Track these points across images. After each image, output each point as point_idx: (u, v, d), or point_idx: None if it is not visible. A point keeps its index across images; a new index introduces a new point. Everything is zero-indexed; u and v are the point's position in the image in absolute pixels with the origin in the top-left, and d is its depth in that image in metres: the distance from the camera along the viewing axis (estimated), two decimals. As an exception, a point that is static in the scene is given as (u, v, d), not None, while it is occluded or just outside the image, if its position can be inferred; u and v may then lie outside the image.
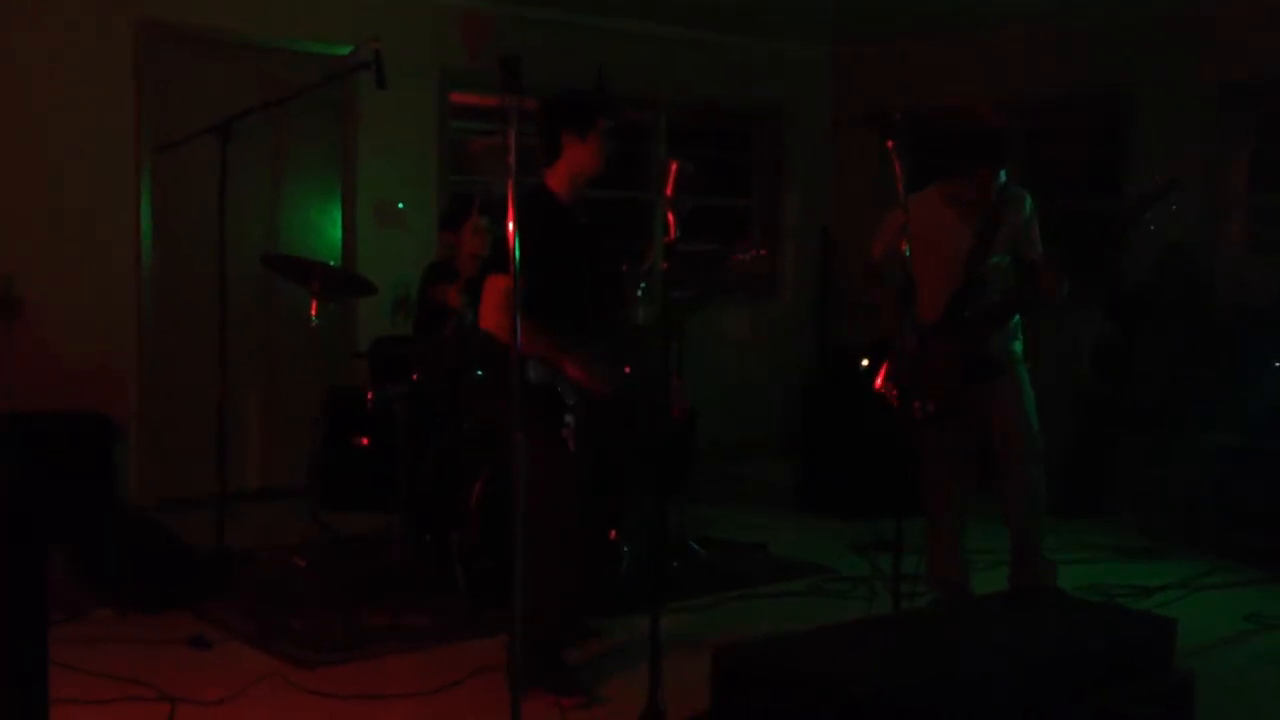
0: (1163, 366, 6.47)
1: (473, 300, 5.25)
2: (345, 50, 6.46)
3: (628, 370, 4.04)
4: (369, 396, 5.00)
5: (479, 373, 4.91)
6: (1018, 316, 4.69)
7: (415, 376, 5.00)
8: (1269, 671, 4.38)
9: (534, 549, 3.61)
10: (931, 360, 4.54)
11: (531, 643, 3.66)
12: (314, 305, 4.70)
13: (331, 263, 6.20)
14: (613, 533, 4.86)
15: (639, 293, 5.25)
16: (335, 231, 6.94)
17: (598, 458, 3.92)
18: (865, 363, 6.62)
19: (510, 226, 3.06)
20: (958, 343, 4.56)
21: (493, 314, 3.74)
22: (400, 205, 6.95)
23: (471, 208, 5.27)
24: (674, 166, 3.49)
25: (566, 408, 3.68)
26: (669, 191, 3.49)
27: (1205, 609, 4.97)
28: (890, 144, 4.05)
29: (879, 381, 4.67)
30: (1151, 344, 6.58)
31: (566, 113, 3.87)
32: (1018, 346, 4.73)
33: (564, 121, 3.85)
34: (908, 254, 4.12)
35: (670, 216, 3.48)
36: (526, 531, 3.60)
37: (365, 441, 4.99)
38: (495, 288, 3.74)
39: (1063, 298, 4.43)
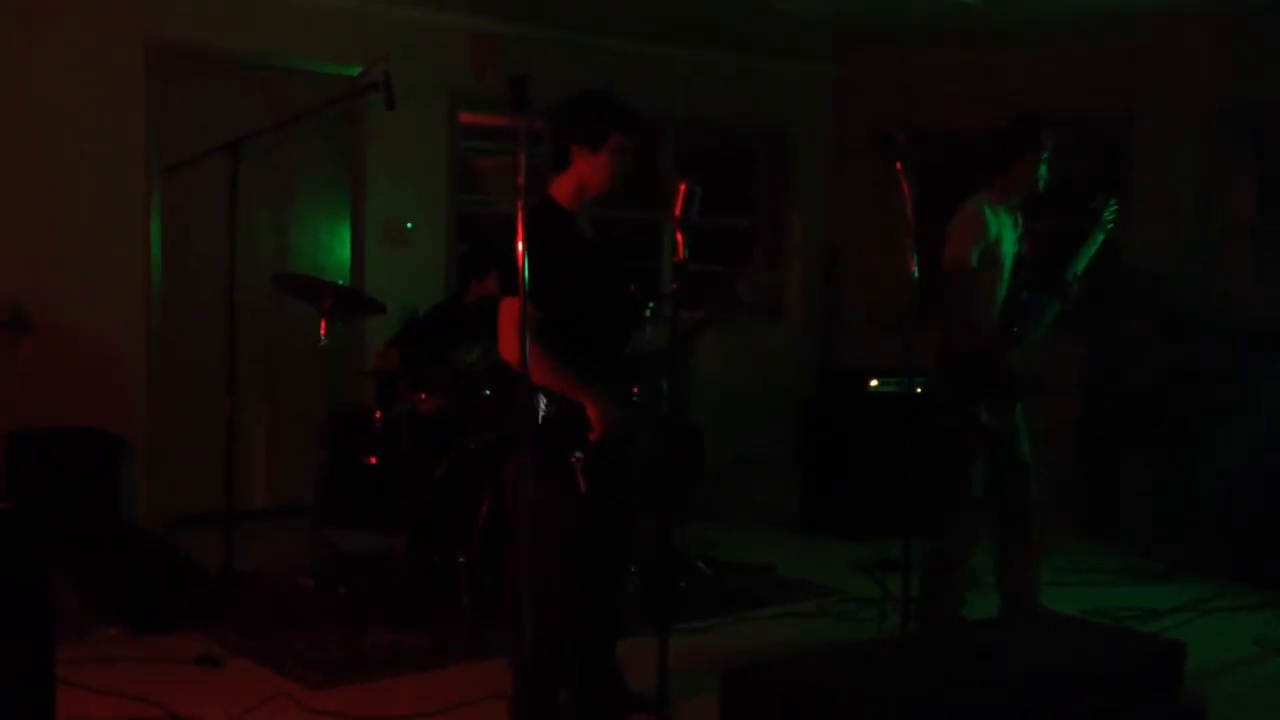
0: (1156, 389, 6.48)
1: (486, 350, 5.27)
2: (354, 71, 6.50)
3: (635, 391, 3.99)
4: (378, 415, 5.00)
5: (486, 391, 4.92)
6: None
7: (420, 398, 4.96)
8: (1276, 695, 4.36)
9: (534, 595, 3.46)
10: (999, 370, 4.59)
11: (524, 681, 3.54)
12: (323, 325, 4.71)
13: (340, 282, 6.22)
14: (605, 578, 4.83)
15: (647, 313, 5.27)
16: (344, 251, 6.96)
17: (608, 501, 3.62)
18: (875, 383, 6.64)
19: (520, 247, 3.01)
20: (1013, 351, 4.61)
21: (511, 342, 3.38)
22: (408, 225, 6.97)
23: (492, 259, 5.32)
24: (682, 187, 3.47)
25: (578, 443, 3.46)
26: (677, 212, 3.47)
27: (1214, 632, 4.96)
28: (899, 166, 4.08)
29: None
30: (1140, 364, 6.60)
31: (578, 123, 3.61)
32: None
33: (574, 132, 3.61)
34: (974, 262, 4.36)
35: (679, 236, 3.47)
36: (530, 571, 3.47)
37: (372, 460, 4.99)
38: (511, 312, 3.41)
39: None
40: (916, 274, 4.18)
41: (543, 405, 3.44)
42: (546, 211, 3.63)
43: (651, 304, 4.98)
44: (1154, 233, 6.85)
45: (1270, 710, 4.23)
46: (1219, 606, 5.30)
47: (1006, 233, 4.65)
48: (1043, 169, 4.62)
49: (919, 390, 5.05)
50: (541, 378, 3.40)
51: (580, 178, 3.61)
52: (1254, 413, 5.91)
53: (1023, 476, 4.70)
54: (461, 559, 4.72)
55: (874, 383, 6.64)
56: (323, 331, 4.69)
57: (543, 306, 3.41)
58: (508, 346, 3.41)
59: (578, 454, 3.44)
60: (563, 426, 3.45)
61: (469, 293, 5.33)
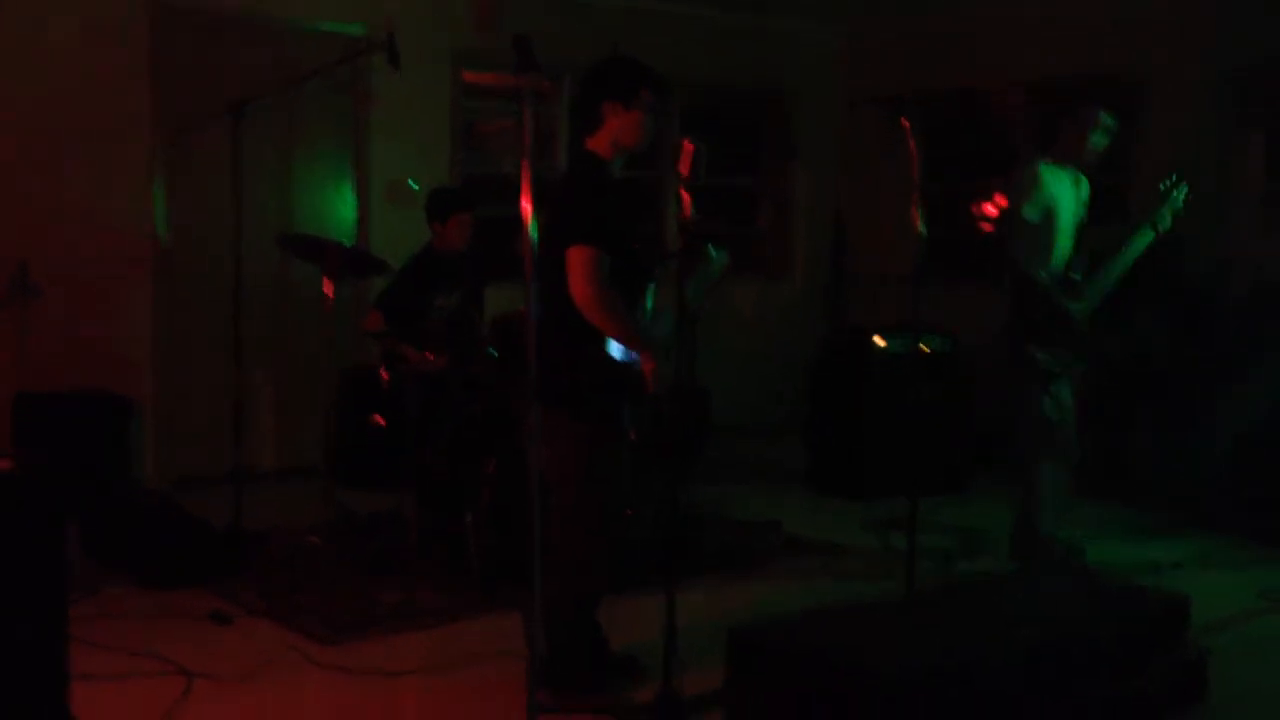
0: (1169, 347, 6.48)
1: (467, 295, 5.29)
2: (358, 30, 6.47)
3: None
4: (383, 376, 5.02)
5: (491, 350, 4.93)
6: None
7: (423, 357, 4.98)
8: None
9: (571, 529, 3.62)
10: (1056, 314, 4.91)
11: (556, 622, 3.65)
12: (328, 285, 4.71)
13: (345, 242, 6.22)
14: (629, 510, 4.88)
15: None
16: (348, 212, 6.95)
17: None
18: (882, 343, 6.64)
19: (526, 207, 2.96)
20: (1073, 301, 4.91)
21: (584, 287, 3.44)
22: (413, 185, 6.95)
23: (460, 200, 5.33)
24: (689, 147, 3.48)
25: (635, 392, 3.58)
26: (684, 171, 3.48)
27: (1220, 586, 4.98)
28: (905, 123, 4.08)
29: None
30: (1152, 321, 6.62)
31: (610, 81, 3.66)
32: None
33: (607, 90, 3.63)
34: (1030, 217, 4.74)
35: (685, 195, 3.48)
36: (564, 512, 3.61)
37: (380, 420, 5.00)
38: (582, 258, 3.44)
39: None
40: (924, 232, 4.21)
41: (615, 350, 3.53)
42: (594, 164, 3.67)
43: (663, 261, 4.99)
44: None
45: (1272, 661, 4.25)
46: (1225, 561, 5.32)
47: (1065, 192, 4.93)
48: (1096, 138, 4.93)
49: (924, 348, 5.10)
50: (607, 324, 3.48)
51: (613, 134, 3.65)
52: (1262, 372, 5.90)
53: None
54: (469, 517, 4.75)
55: (880, 341, 6.64)
56: (328, 291, 4.70)
57: (612, 253, 3.47)
58: (582, 293, 3.44)
59: (630, 411, 3.60)
60: (626, 374, 3.54)
61: (434, 235, 5.35)
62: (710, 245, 3.95)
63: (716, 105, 8.62)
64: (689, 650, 3.54)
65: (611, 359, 3.54)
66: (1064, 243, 4.92)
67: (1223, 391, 6.04)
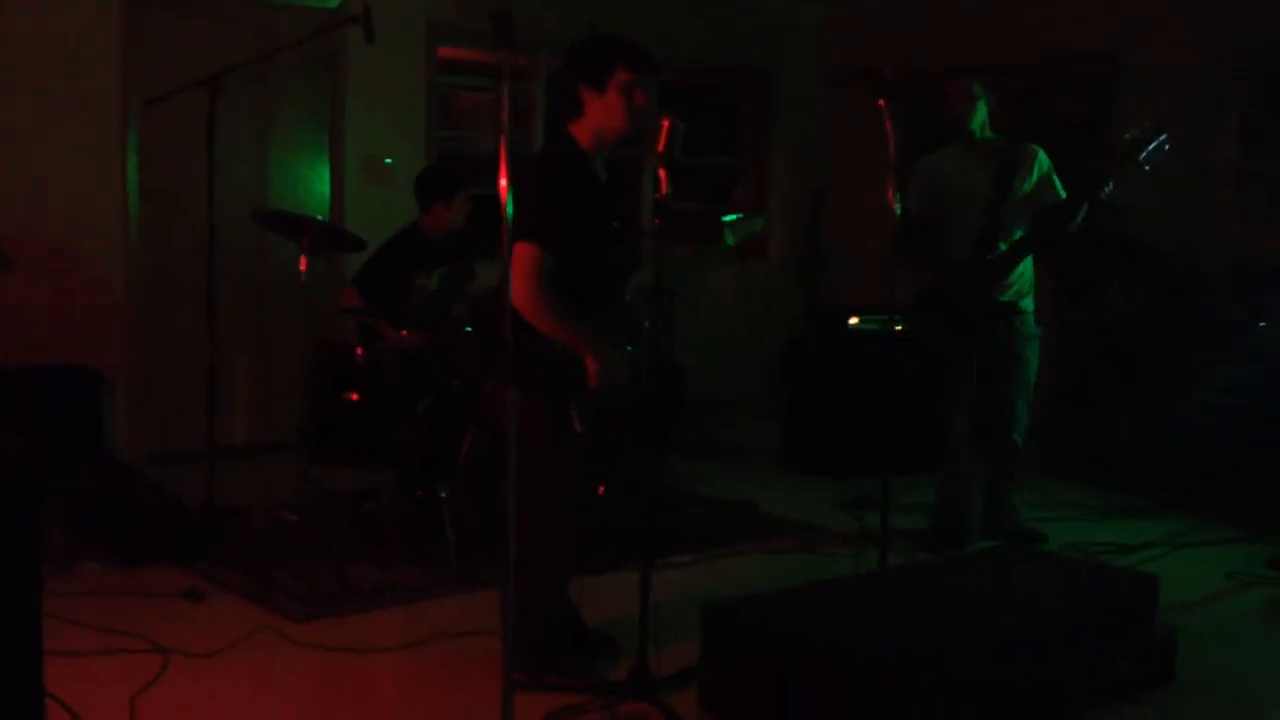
0: (1135, 326, 6.52)
1: (447, 273, 5.27)
2: (334, 3, 6.42)
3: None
4: (359, 352, 5.00)
5: (468, 329, 4.92)
6: (1029, 273, 5.03)
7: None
8: (1247, 628, 4.45)
9: (527, 505, 3.59)
10: (956, 301, 4.98)
11: (527, 599, 3.63)
12: (303, 260, 4.69)
13: (320, 218, 6.19)
14: (601, 488, 4.90)
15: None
16: (323, 187, 6.91)
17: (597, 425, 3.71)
18: (856, 321, 6.68)
19: (503, 184, 2.84)
20: (979, 284, 4.93)
21: (523, 286, 3.33)
22: (388, 161, 6.92)
23: (461, 180, 5.32)
24: (666, 123, 3.45)
25: (576, 387, 3.49)
26: (661, 148, 3.46)
27: (1187, 566, 5.04)
28: (881, 103, 4.09)
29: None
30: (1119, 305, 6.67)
31: (583, 65, 3.53)
32: (1028, 304, 5.05)
33: (579, 73, 3.51)
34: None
35: (662, 173, 3.46)
36: (520, 488, 3.59)
37: (355, 397, 4.99)
38: (524, 257, 3.35)
39: (1073, 229, 4.83)
40: (900, 212, 4.25)
41: (550, 344, 3.45)
42: (565, 152, 3.56)
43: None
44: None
45: (1240, 641, 4.30)
46: (1193, 541, 5.38)
47: (963, 175, 4.99)
48: (978, 111, 4.96)
49: (899, 328, 5.15)
50: (547, 326, 3.41)
51: (595, 122, 3.55)
52: (1232, 352, 5.95)
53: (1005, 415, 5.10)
54: (445, 495, 4.75)
55: (854, 321, 6.66)
56: (303, 267, 4.67)
57: (556, 252, 3.40)
58: (519, 292, 3.33)
59: (574, 402, 3.48)
60: (565, 367, 3.46)
61: (433, 214, 5.32)
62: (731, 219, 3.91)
63: (695, 82, 8.60)
64: (664, 628, 3.56)
65: (550, 346, 3.45)
66: (964, 224, 4.97)
67: (1195, 372, 6.08)
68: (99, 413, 5.85)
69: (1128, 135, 4.71)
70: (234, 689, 3.64)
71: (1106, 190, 4.70)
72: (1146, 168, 4.66)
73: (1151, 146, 4.64)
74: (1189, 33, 6.83)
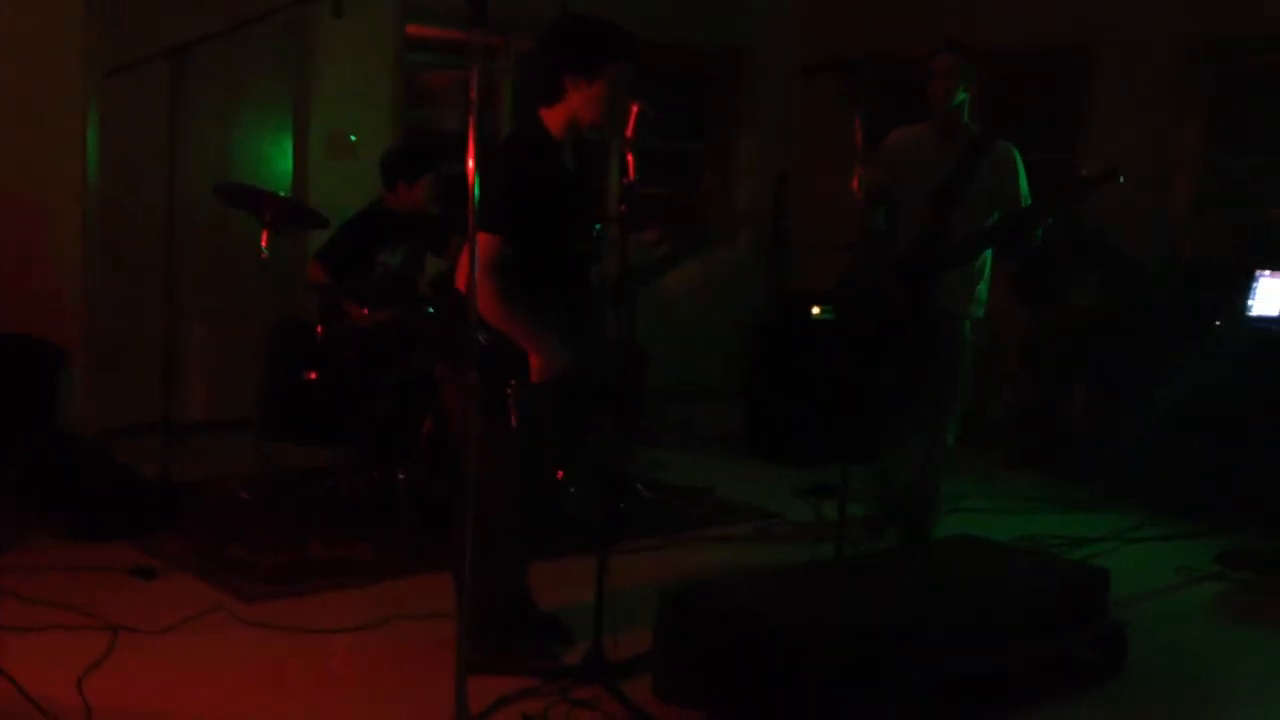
0: (1095, 323, 6.57)
1: (410, 251, 5.24)
2: (301, -24, 6.34)
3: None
4: (319, 331, 4.97)
5: (429, 309, 4.89)
6: (988, 263, 4.80)
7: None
8: (1196, 621, 4.50)
9: (482, 507, 3.53)
10: (883, 299, 4.76)
11: (480, 581, 3.62)
12: (265, 236, 4.65)
13: (282, 194, 6.13)
14: (560, 473, 4.88)
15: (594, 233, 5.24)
16: (287, 163, 6.84)
17: (545, 431, 3.57)
18: (817, 311, 6.69)
19: (470, 164, 2.76)
20: (912, 285, 4.69)
21: (476, 275, 3.07)
22: (352, 138, 6.86)
23: (428, 160, 5.27)
24: (634, 108, 3.43)
25: (515, 377, 3.37)
26: (629, 133, 3.43)
27: (1139, 560, 5.09)
28: (849, 90, 4.07)
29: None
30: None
31: (573, 50, 3.39)
32: (982, 290, 4.83)
33: (566, 60, 3.38)
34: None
35: (630, 159, 3.44)
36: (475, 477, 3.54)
37: (312, 375, 4.96)
38: (480, 245, 3.05)
39: (1035, 241, 4.60)
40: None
41: (483, 334, 3.32)
42: (533, 140, 3.48)
43: (598, 226, 4.97)
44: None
45: (1189, 633, 4.36)
46: (1144, 536, 5.43)
47: (922, 159, 4.75)
48: (959, 91, 4.69)
49: (817, 312, 5.15)
50: (494, 317, 3.34)
51: (572, 110, 3.44)
52: (1187, 348, 5.99)
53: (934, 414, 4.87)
54: (402, 475, 4.72)
55: (816, 310, 6.67)
56: (264, 243, 4.63)
57: (516, 243, 3.34)
58: (480, 288, 3.18)
59: (512, 384, 3.35)
60: (501, 358, 3.35)
61: (395, 193, 5.28)
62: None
63: (663, 61, 8.55)
64: (620, 613, 3.55)
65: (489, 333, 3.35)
66: (915, 207, 4.75)
67: (1155, 366, 6.13)
68: (54, 385, 5.78)
69: (1084, 172, 4.51)
70: (183, 668, 3.61)
71: (1040, 230, 4.54)
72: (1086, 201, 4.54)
73: (1101, 187, 4.41)
74: (1157, 29, 6.86)
